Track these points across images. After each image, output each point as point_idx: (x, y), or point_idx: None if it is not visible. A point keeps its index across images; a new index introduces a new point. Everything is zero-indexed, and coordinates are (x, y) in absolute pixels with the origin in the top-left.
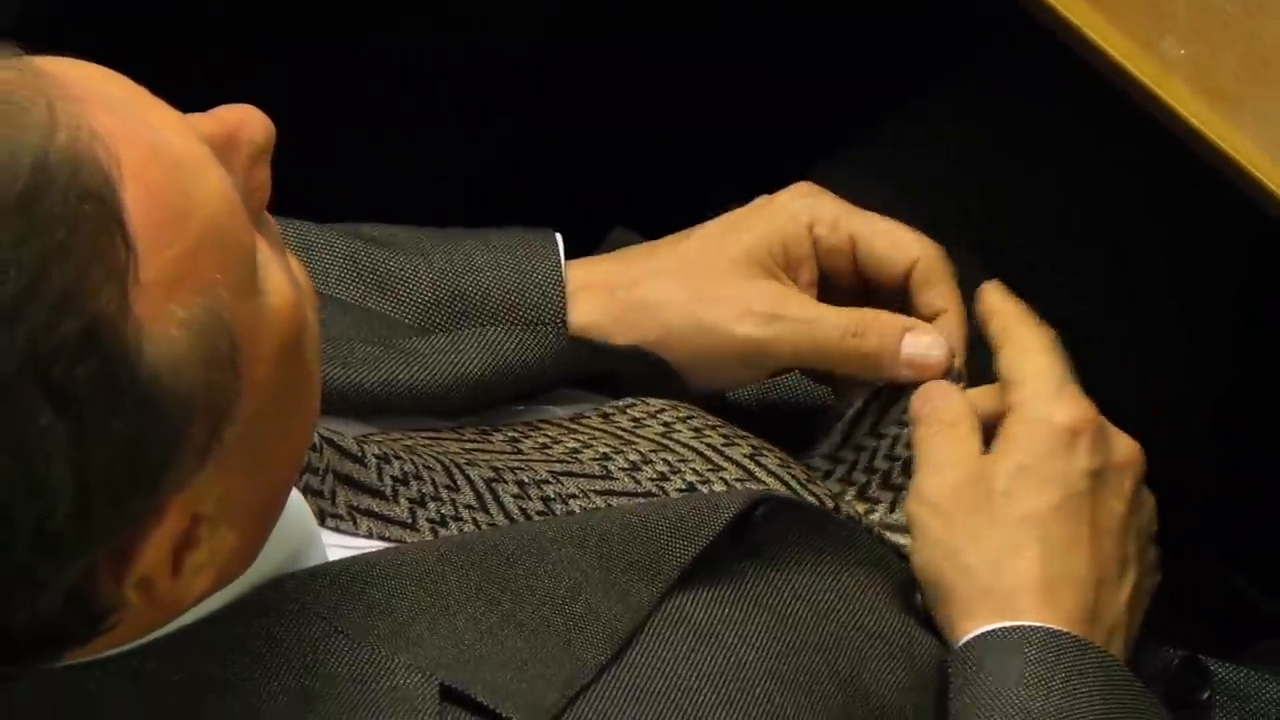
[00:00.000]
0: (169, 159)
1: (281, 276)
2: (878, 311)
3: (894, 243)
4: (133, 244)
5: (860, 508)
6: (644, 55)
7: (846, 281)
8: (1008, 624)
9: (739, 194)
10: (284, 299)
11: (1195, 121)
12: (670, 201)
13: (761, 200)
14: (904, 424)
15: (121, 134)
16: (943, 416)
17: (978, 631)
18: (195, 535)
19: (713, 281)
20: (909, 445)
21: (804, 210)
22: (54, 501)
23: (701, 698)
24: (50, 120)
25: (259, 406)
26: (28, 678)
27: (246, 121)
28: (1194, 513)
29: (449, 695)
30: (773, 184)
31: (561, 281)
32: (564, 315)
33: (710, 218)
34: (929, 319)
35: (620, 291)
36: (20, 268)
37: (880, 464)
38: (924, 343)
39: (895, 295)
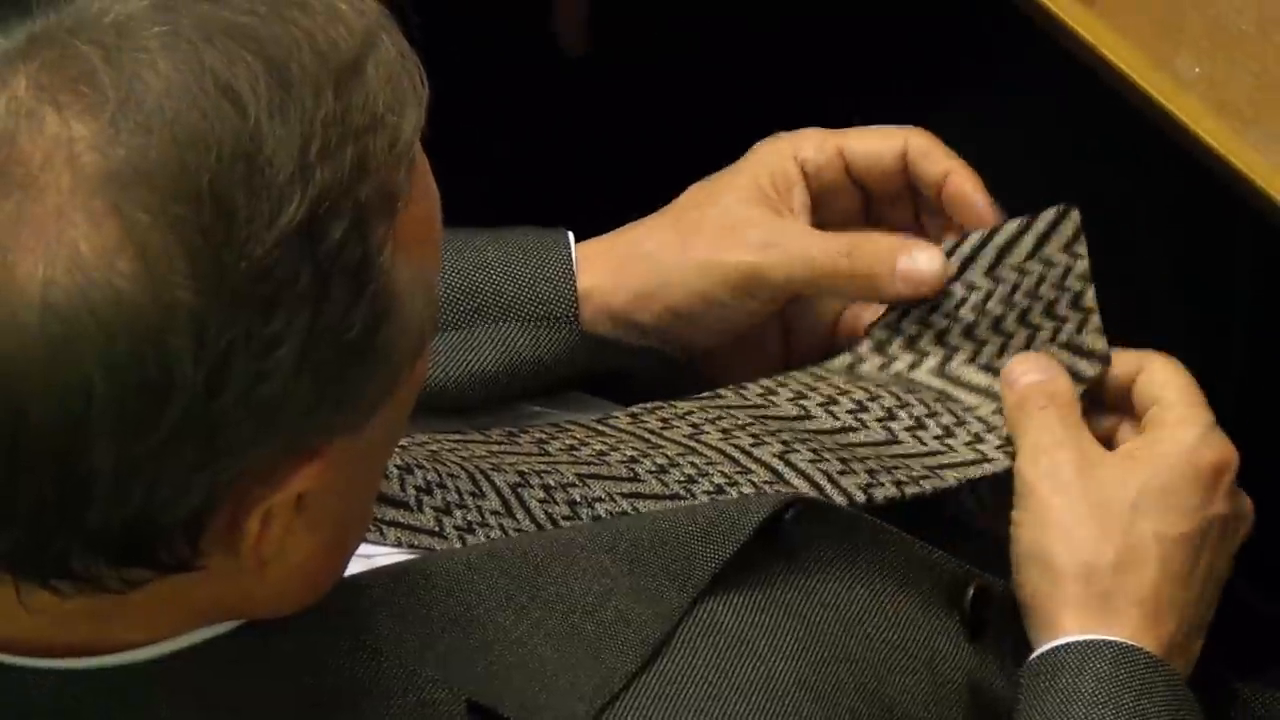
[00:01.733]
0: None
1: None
2: (870, 234)
3: (882, 135)
4: (413, 172)
5: (937, 353)
6: (649, 63)
7: (844, 200)
8: (1087, 637)
9: None
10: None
11: (1209, 139)
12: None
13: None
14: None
15: None
16: (1054, 394)
17: (1055, 643)
18: (292, 519)
19: (706, 221)
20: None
21: (786, 143)
22: (275, 366)
23: (731, 707)
24: (381, 32)
25: (390, 412)
26: (47, 677)
27: None
28: None
29: (476, 709)
30: None
31: (573, 276)
32: (576, 310)
33: None
34: (938, 186)
35: (620, 248)
36: (328, 133)
37: (966, 314)
38: (920, 258)
39: (899, 198)
